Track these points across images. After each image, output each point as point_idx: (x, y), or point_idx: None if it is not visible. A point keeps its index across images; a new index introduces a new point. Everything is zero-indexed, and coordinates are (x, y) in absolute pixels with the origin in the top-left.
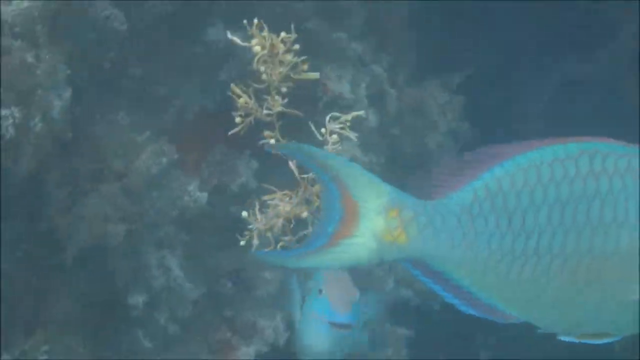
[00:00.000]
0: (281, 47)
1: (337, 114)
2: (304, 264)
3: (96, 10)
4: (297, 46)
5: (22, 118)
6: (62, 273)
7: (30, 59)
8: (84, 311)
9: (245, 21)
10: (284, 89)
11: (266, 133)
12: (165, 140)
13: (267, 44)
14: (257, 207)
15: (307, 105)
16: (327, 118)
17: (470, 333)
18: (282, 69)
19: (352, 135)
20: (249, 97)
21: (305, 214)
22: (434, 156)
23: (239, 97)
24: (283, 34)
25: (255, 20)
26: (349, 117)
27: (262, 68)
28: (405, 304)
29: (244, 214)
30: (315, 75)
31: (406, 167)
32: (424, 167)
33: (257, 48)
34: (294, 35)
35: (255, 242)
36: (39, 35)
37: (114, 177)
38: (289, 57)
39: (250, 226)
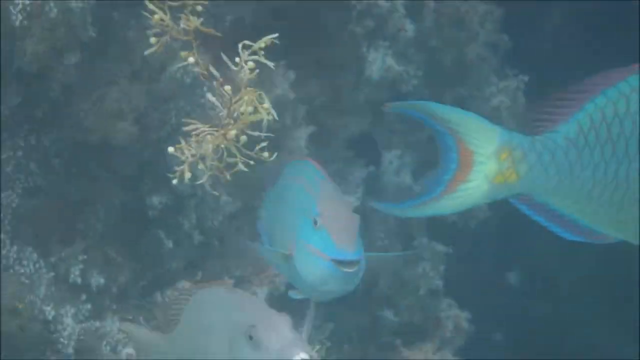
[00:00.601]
0: None
1: (248, 42)
2: (424, 212)
3: None
4: None
5: (37, 5)
6: (97, 182)
7: None
8: (118, 220)
9: None
10: (199, 8)
11: (183, 53)
12: (199, 49)
13: None
14: (183, 141)
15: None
16: (240, 46)
17: (502, 254)
18: None
19: (270, 63)
20: (165, 13)
21: (233, 132)
22: (474, 69)
23: (154, 13)
24: None
25: None
26: (262, 43)
27: None
28: (442, 220)
29: (170, 149)
30: None
31: (445, 78)
32: (464, 80)
33: None
34: None
35: (188, 175)
36: None
37: (143, 79)
38: None
39: (183, 158)
